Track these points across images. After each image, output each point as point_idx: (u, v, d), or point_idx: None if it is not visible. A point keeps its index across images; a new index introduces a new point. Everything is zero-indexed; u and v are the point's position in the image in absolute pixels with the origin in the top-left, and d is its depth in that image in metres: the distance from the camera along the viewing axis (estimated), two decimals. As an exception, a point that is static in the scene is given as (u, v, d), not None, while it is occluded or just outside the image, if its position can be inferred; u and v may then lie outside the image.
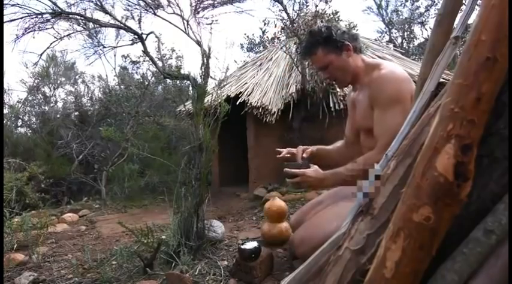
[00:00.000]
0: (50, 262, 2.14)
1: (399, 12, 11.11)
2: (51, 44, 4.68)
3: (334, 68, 1.51)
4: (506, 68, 0.60)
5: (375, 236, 0.77)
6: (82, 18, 4.48)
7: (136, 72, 8.60)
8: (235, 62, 9.14)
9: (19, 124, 7.89)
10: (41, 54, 4.92)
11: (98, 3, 4.34)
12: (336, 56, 1.49)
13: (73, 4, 4.39)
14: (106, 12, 4.39)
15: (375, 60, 1.67)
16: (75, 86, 8.62)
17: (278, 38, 6.01)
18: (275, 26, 5.63)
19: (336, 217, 1.27)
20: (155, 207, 4.60)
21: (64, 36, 4.63)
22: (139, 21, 4.67)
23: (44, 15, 4.17)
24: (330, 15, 4.91)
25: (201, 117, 2.01)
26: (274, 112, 4.37)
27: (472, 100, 0.60)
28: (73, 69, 8.69)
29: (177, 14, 4.23)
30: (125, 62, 8.30)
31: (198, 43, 3.47)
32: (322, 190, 2.39)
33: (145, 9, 4.59)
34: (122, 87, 8.01)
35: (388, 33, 11.24)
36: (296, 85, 4.53)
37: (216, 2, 4.56)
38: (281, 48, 5.22)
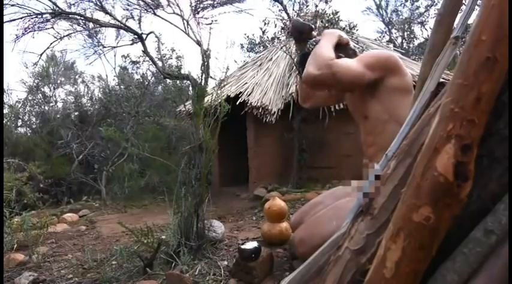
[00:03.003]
0: (50, 262, 2.14)
1: (399, 12, 11.12)
2: (51, 44, 4.69)
3: None
4: (506, 68, 0.60)
5: (374, 236, 0.77)
6: (82, 18, 4.49)
7: (136, 72, 8.60)
8: (235, 62, 9.13)
9: (19, 124, 7.90)
10: (41, 54, 4.93)
11: (98, 3, 4.34)
12: None
13: (73, 4, 4.40)
14: (106, 12, 4.40)
15: None
16: (75, 86, 8.63)
17: (278, 38, 6.00)
18: (275, 26, 5.63)
19: (336, 217, 1.27)
20: (155, 207, 4.60)
21: (64, 36, 4.63)
22: (139, 21, 4.68)
23: (44, 15, 4.18)
24: (329, 15, 4.91)
25: (201, 117, 2.01)
26: (274, 112, 4.37)
27: (472, 100, 0.60)
28: (73, 69, 8.69)
29: (177, 14, 4.23)
30: (125, 62, 8.29)
31: (198, 43, 3.47)
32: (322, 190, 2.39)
33: (145, 9, 4.59)
34: (121, 87, 8.00)
35: (388, 33, 11.24)
36: (296, 85, 4.53)
37: (215, 2, 4.57)
38: (281, 48, 5.22)
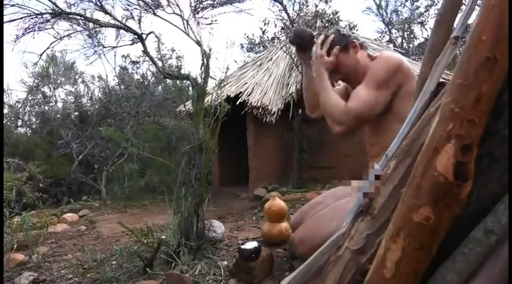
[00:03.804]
0: (50, 262, 2.14)
1: (399, 12, 11.12)
2: (51, 44, 4.68)
3: (345, 67, 1.48)
4: (506, 68, 0.60)
5: (374, 236, 0.77)
6: (82, 18, 4.48)
7: (136, 72, 8.61)
8: (235, 62, 9.14)
9: (19, 124, 7.90)
10: (41, 54, 4.92)
11: (98, 3, 4.34)
12: (344, 54, 1.47)
13: (73, 4, 4.39)
14: (106, 12, 4.39)
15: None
16: (75, 86, 8.64)
17: (278, 38, 6.00)
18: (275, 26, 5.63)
19: (336, 217, 1.27)
20: (155, 207, 4.60)
21: (64, 36, 4.63)
22: (139, 21, 4.67)
23: (44, 15, 4.17)
24: (329, 15, 4.91)
25: (201, 117, 2.01)
26: (274, 112, 4.37)
27: (472, 100, 0.60)
28: (73, 69, 8.69)
29: (177, 14, 4.22)
30: (125, 62, 8.30)
31: (198, 43, 3.47)
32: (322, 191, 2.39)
33: (145, 9, 4.59)
34: (121, 87, 8.00)
35: (388, 33, 11.25)
36: (296, 85, 4.53)
37: (215, 2, 4.56)
38: (281, 48, 5.23)
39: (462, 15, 0.83)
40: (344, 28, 1.61)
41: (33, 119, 8.06)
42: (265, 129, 4.61)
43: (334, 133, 1.40)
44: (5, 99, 7.55)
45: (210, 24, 4.43)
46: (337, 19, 4.93)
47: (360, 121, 1.36)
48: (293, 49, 5.01)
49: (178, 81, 6.56)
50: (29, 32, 4.21)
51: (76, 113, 7.98)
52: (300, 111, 4.35)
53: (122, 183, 5.47)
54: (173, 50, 8.50)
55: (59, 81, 8.19)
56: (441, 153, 0.61)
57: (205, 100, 2.10)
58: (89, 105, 8.29)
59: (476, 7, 0.77)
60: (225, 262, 1.81)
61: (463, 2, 0.95)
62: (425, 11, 10.46)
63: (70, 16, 4.38)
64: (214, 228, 2.07)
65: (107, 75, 11.21)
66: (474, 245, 0.65)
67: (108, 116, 7.17)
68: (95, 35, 5.39)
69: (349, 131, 1.37)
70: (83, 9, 4.46)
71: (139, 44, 4.59)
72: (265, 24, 5.71)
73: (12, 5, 3.88)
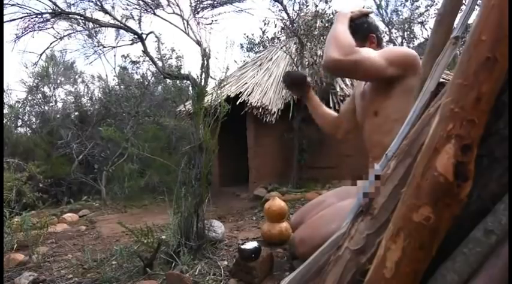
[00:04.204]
0: (50, 262, 2.14)
1: (399, 12, 11.12)
2: (51, 43, 4.69)
3: None
4: (506, 67, 0.60)
5: (374, 236, 0.77)
6: (82, 18, 4.48)
7: (136, 72, 8.59)
8: (235, 62, 9.14)
9: (19, 124, 7.90)
10: (41, 54, 4.93)
11: (98, 3, 4.34)
12: (359, 43, 1.39)
13: (73, 4, 4.40)
14: (106, 12, 4.40)
15: None
16: (75, 86, 8.64)
17: (278, 38, 6.00)
18: (275, 26, 5.62)
19: (336, 217, 1.27)
20: (155, 207, 4.60)
21: (64, 36, 4.63)
22: (139, 21, 4.68)
23: (44, 15, 4.17)
24: (330, 15, 4.91)
25: (201, 117, 2.01)
26: (274, 112, 4.37)
27: (472, 100, 0.60)
28: (72, 69, 8.70)
29: (177, 14, 4.23)
30: (125, 62, 8.28)
31: (198, 43, 3.47)
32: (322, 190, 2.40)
33: (145, 9, 4.59)
34: (121, 87, 8.00)
35: (388, 33, 11.23)
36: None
37: (215, 2, 4.56)
38: (281, 48, 5.22)
39: (462, 15, 0.83)
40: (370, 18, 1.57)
41: (33, 119, 8.07)
42: (265, 129, 4.61)
43: (329, 58, 1.27)
44: (5, 99, 7.56)
45: (210, 24, 4.43)
46: (337, 19, 4.91)
47: (355, 67, 1.26)
48: (293, 49, 5.02)
49: (178, 81, 6.56)
50: (29, 32, 4.21)
51: (76, 113, 7.98)
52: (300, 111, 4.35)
53: (122, 183, 5.47)
54: (173, 50, 8.50)
55: (58, 81, 8.20)
56: (441, 153, 0.61)
57: (205, 100, 2.10)
58: (88, 105, 8.30)
59: (476, 7, 0.77)
60: (225, 262, 1.81)
61: (463, 2, 0.95)
62: (425, 11, 10.44)
63: (70, 16, 4.38)
64: (214, 228, 2.07)
65: (106, 75, 11.24)
66: (474, 245, 0.65)
67: (108, 116, 7.17)
68: (94, 34, 5.39)
69: (340, 66, 1.27)
70: (83, 9, 4.46)
71: (139, 43, 4.60)
72: (265, 24, 5.71)
73: (12, 5, 3.88)
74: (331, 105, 4.32)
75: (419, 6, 10.54)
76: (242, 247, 1.59)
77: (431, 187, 0.62)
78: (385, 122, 1.37)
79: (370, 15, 1.53)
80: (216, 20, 4.47)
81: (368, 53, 1.30)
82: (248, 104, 4.43)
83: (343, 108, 1.80)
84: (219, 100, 2.07)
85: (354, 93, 1.70)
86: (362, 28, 1.45)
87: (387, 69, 1.29)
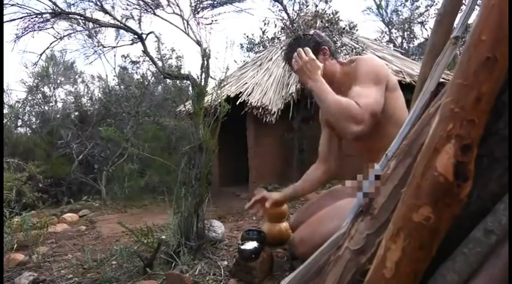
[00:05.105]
0: (50, 262, 2.14)
1: (399, 12, 11.13)
2: (51, 43, 4.69)
3: None
4: (506, 67, 0.60)
5: (374, 236, 0.77)
6: (82, 18, 4.49)
7: (136, 72, 8.59)
8: (235, 62, 9.13)
9: (19, 124, 7.90)
10: (41, 54, 4.93)
11: (98, 3, 4.34)
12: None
13: (73, 4, 4.40)
14: (106, 12, 4.40)
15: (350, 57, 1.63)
16: (75, 86, 8.64)
17: (278, 38, 6.00)
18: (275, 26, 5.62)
19: (336, 217, 1.27)
20: (155, 207, 4.60)
21: (64, 36, 4.64)
22: (139, 21, 4.68)
23: (44, 15, 4.18)
24: (329, 15, 4.91)
25: (201, 117, 2.01)
26: (274, 112, 4.37)
27: (472, 100, 0.60)
28: (72, 69, 8.70)
29: (177, 14, 4.23)
30: (125, 62, 8.28)
31: (198, 43, 3.47)
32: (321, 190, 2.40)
33: (145, 9, 4.59)
34: (121, 87, 8.00)
35: (388, 33, 11.24)
36: (296, 85, 4.53)
37: (215, 2, 4.56)
38: (281, 48, 5.22)
39: (462, 15, 0.83)
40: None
41: (33, 119, 8.07)
42: (265, 129, 4.60)
43: (351, 133, 1.28)
44: (5, 99, 7.57)
45: (210, 24, 4.43)
46: (337, 19, 4.92)
47: (373, 118, 1.27)
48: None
49: (178, 81, 6.56)
50: (29, 32, 4.21)
51: (76, 113, 7.98)
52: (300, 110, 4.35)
53: (122, 183, 5.47)
54: (173, 50, 8.49)
55: (58, 81, 8.21)
56: (441, 153, 0.61)
57: (205, 100, 2.10)
58: (88, 105, 8.30)
59: (476, 7, 0.77)
60: (225, 262, 1.81)
61: (463, 2, 0.95)
62: (425, 11, 10.46)
63: (70, 16, 4.38)
64: (214, 228, 2.07)
65: (106, 75, 11.21)
66: (474, 245, 0.65)
67: (108, 116, 7.17)
68: (94, 34, 5.40)
69: (367, 129, 1.26)
70: (83, 9, 4.47)
71: (139, 43, 4.60)
72: (265, 24, 5.71)
73: (12, 5, 3.89)
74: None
75: (419, 6, 10.57)
76: (242, 247, 1.59)
77: (431, 187, 0.62)
78: (379, 126, 1.38)
79: (318, 31, 1.57)
80: (216, 20, 4.48)
81: (365, 95, 1.30)
82: (248, 104, 4.43)
83: (324, 147, 1.85)
84: (219, 100, 2.07)
85: (322, 119, 1.80)
86: (311, 45, 1.46)
87: (381, 91, 1.34)
